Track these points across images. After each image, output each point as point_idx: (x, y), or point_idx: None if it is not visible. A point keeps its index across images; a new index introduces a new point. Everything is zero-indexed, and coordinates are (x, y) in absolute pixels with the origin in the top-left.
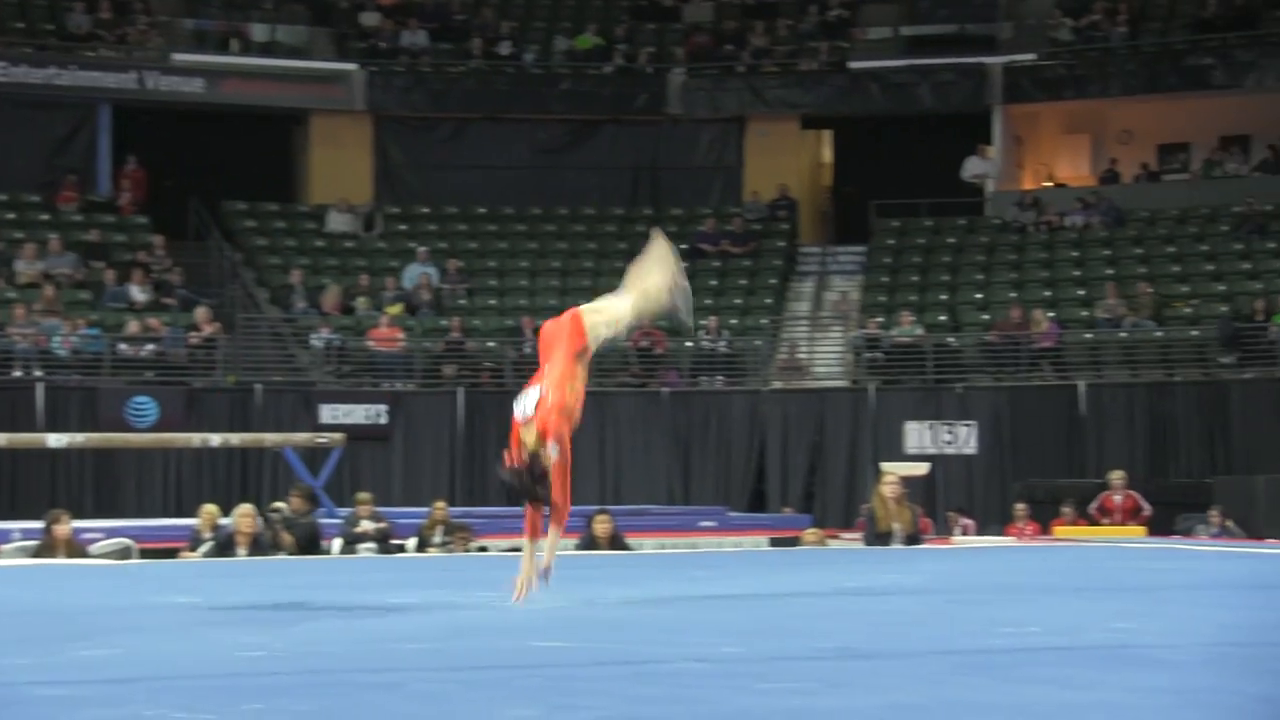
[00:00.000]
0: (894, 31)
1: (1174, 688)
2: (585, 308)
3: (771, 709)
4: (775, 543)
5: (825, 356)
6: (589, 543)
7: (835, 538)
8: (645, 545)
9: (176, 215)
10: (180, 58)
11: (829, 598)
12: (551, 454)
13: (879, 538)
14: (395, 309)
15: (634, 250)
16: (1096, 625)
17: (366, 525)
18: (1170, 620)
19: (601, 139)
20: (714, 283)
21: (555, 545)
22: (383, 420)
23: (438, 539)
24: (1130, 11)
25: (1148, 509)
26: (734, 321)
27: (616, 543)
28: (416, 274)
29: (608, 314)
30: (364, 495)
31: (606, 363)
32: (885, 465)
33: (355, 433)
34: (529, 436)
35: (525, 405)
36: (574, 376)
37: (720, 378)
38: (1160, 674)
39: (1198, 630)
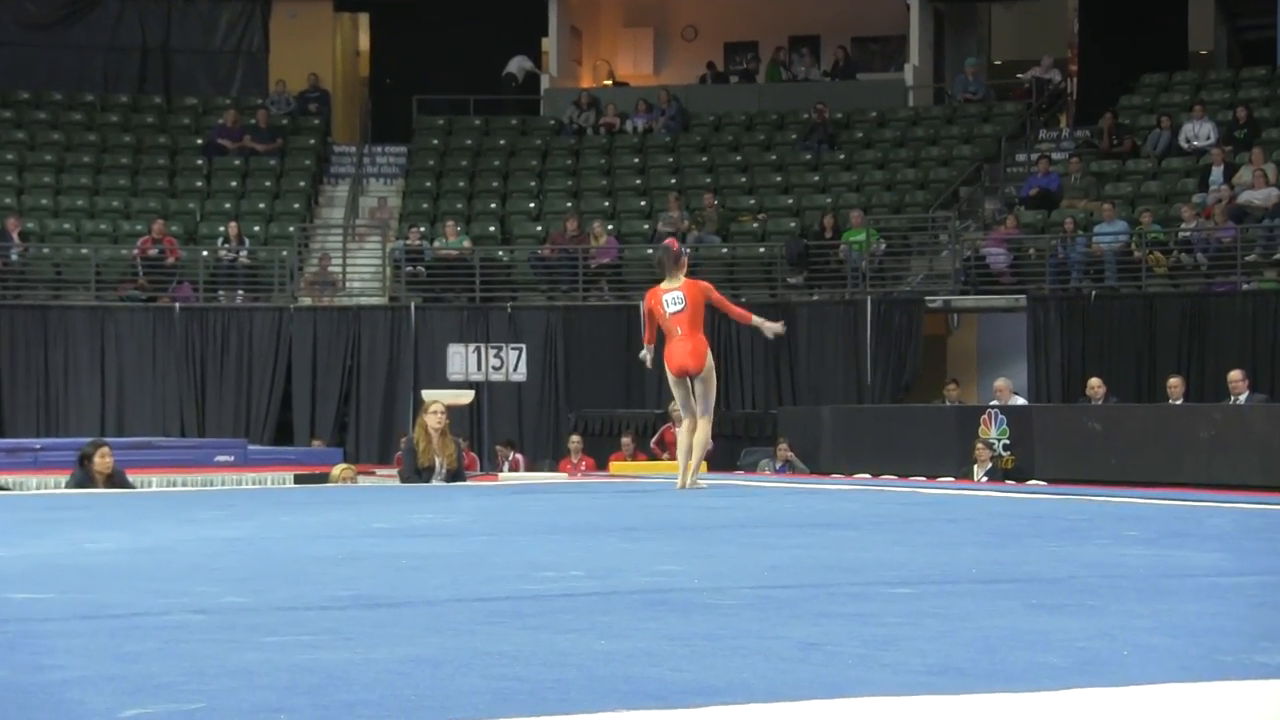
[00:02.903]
0: None
1: (713, 633)
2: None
3: (274, 664)
4: (301, 480)
5: (361, 270)
6: (83, 480)
7: (369, 474)
8: (151, 483)
9: None
10: None
11: (354, 540)
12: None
13: (418, 474)
14: None
15: (141, 143)
16: (641, 568)
17: None
18: (717, 562)
19: (104, 15)
20: (234, 184)
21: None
22: None
23: None
24: None
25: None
26: (257, 229)
27: (116, 480)
28: None
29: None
30: None
31: (107, 273)
32: (427, 393)
33: None
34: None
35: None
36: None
37: (241, 292)
38: (700, 619)
39: (744, 573)
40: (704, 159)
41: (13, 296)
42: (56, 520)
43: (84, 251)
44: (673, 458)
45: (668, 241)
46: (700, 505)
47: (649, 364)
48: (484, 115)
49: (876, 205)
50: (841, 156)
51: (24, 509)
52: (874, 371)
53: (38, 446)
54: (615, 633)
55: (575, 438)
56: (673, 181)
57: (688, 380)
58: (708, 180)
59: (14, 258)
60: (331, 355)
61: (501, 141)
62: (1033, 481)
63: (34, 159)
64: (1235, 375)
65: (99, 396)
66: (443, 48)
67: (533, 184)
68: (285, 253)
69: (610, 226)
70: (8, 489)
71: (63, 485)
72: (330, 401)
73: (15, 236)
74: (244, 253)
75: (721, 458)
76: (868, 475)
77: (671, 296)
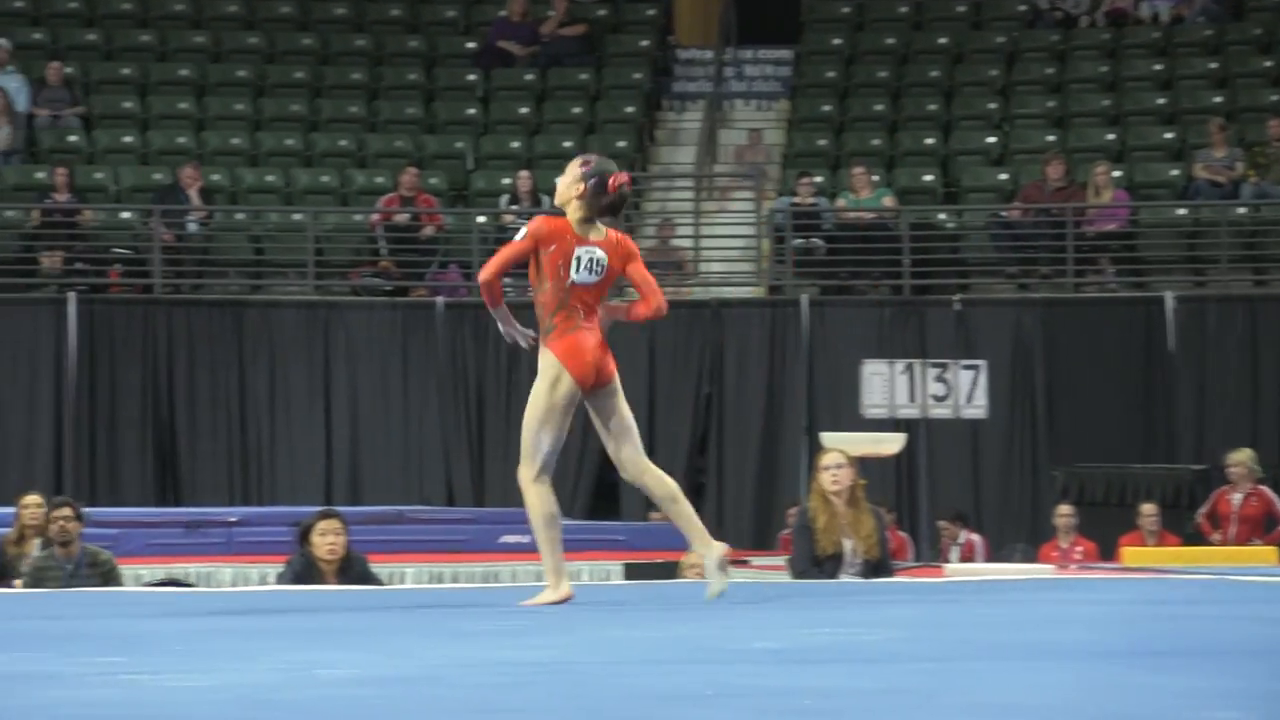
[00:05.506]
0: None
1: None
2: None
3: None
4: (635, 572)
5: (723, 244)
6: (304, 569)
7: (742, 564)
8: (405, 576)
9: None
10: None
11: (721, 667)
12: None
13: (817, 564)
14: None
15: (381, 50)
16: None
17: None
18: None
19: None
20: (524, 111)
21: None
22: None
23: (58, 576)
24: None
25: None
26: (561, 180)
27: (353, 570)
28: None
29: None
30: None
31: (332, 250)
32: (828, 438)
33: None
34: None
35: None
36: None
37: None
38: None
39: None
40: (1268, 64)
41: (191, 288)
42: (266, 632)
43: (297, 217)
44: (1228, 540)
45: (616, 178)
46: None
47: (527, 344)
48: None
49: None
50: None
51: (217, 614)
52: None
53: (232, 519)
54: None
55: (1065, 509)
56: (1216, 100)
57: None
58: (1274, 99)
59: (193, 228)
60: (677, 377)
61: (941, 40)
62: None
63: (221, 75)
64: None
65: (322, 441)
66: None
67: (992, 106)
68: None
69: (1117, 173)
70: (190, 585)
71: (273, 579)
72: (676, 449)
73: (195, 196)
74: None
75: None
76: None
77: (589, 255)
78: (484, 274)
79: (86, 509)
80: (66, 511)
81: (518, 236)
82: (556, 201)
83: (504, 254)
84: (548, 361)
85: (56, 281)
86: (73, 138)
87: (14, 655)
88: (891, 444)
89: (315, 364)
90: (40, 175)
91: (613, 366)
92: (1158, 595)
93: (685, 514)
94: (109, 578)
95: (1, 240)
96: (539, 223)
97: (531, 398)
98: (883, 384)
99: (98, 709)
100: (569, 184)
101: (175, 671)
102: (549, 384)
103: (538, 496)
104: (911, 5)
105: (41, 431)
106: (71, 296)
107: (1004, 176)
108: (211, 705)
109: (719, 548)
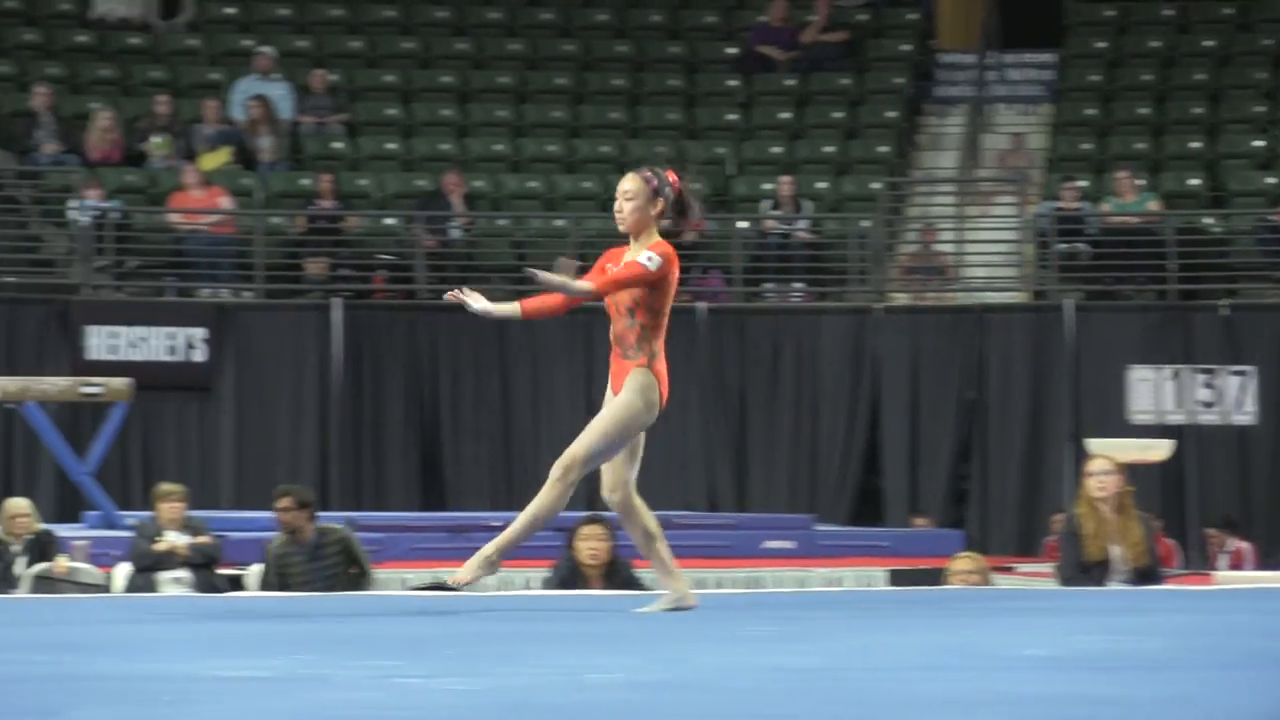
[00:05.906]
0: None
1: None
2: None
3: None
4: (900, 578)
5: (986, 249)
6: (570, 573)
7: (1007, 570)
8: None
9: None
10: None
11: (993, 674)
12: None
13: (1085, 571)
14: (219, 156)
15: (642, 55)
16: None
17: (174, 539)
18: None
19: None
20: (786, 116)
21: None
22: (199, 354)
23: (299, 561)
24: None
25: None
26: (823, 186)
27: (618, 575)
28: (252, 95)
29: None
30: (170, 487)
31: (594, 255)
32: (1095, 444)
33: (151, 375)
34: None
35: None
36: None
37: (800, 285)
38: None
39: None
40: None
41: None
42: (533, 636)
43: (559, 223)
44: None
45: (671, 177)
46: None
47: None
48: (1180, 2)
49: None
50: None
51: (483, 618)
52: None
53: (496, 524)
54: None
55: None
56: None
57: None
58: None
59: (456, 234)
60: (939, 382)
61: (1207, 43)
62: None
63: (482, 81)
64: None
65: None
66: None
67: (1260, 109)
68: (867, 223)
69: None
70: (452, 589)
71: (538, 583)
72: (939, 455)
73: (457, 202)
74: (802, 224)
75: None
76: None
77: None
78: (597, 291)
79: (352, 514)
80: (284, 502)
81: (651, 266)
82: (628, 228)
83: (633, 277)
84: (649, 384)
85: (322, 287)
86: (337, 144)
87: (285, 659)
88: (1159, 450)
89: (577, 369)
90: (305, 182)
91: None
92: None
93: (663, 553)
94: (347, 552)
95: (268, 246)
96: (666, 247)
97: (622, 410)
98: (1149, 390)
99: (370, 711)
100: (643, 205)
101: (446, 675)
102: (647, 405)
103: (562, 499)
104: (1177, 7)
105: (307, 435)
106: (336, 302)
107: (1272, 180)
108: (482, 709)
109: (691, 599)
